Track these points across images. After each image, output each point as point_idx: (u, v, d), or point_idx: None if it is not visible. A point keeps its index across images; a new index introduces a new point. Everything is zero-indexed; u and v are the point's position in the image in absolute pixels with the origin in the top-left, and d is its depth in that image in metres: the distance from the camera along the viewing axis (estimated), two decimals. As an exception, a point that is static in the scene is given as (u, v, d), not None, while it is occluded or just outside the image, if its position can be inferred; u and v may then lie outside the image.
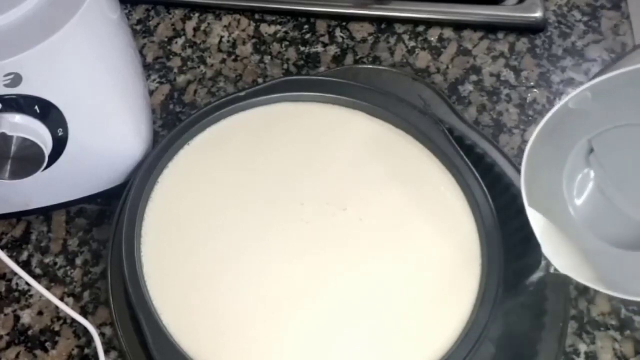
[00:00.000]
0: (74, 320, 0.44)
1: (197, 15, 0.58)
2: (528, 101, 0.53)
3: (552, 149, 0.40)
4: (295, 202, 0.44)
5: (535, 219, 0.39)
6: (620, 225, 0.41)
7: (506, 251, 0.42)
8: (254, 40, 0.57)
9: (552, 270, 0.39)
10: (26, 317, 0.45)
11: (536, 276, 0.40)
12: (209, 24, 0.58)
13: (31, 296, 0.45)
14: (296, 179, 0.45)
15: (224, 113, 0.47)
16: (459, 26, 0.58)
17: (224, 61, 0.56)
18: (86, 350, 0.43)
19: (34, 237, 0.48)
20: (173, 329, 0.39)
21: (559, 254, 0.39)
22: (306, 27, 0.58)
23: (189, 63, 0.56)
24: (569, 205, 0.42)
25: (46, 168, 0.40)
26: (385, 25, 0.58)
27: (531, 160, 0.38)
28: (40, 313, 0.45)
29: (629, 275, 0.39)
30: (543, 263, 0.39)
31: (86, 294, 0.45)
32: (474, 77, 0.55)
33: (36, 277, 0.46)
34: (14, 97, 0.37)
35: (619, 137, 0.39)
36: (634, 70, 0.34)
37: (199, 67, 0.56)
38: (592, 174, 0.42)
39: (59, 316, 0.45)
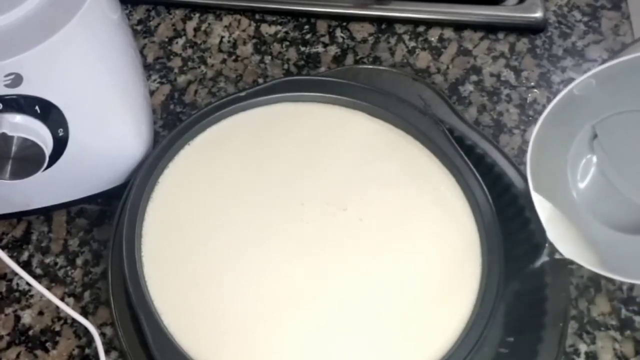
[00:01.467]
0: (74, 320, 0.44)
1: (197, 15, 0.58)
2: (528, 101, 0.53)
3: (557, 135, 0.40)
4: (295, 202, 0.44)
5: (541, 204, 0.39)
6: (622, 208, 0.41)
7: (506, 251, 0.42)
8: (254, 40, 0.57)
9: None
10: (26, 317, 0.45)
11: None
12: (209, 24, 0.58)
13: (31, 296, 0.45)
14: (296, 179, 0.45)
15: (224, 113, 0.47)
16: (459, 26, 0.58)
17: (224, 61, 0.56)
18: (86, 350, 0.43)
19: (34, 237, 0.48)
20: (173, 329, 0.39)
21: (563, 238, 0.40)
22: (306, 27, 0.58)
23: (189, 63, 0.56)
24: (572, 189, 0.42)
25: (46, 168, 0.40)
26: (385, 25, 0.58)
27: (537, 146, 0.39)
28: (41, 313, 0.45)
29: (630, 258, 0.40)
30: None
31: (86, 294, 0.45)
32: (474, 77, 0.55)
33: (36, 277, 0.46)
34: (14, 97, 0.37)
35: (622, 123, 0.40)
36: (636, 57, 0.35)
37: (199, 67, 0.56)
38: (595, 159, 0.42)
39: (59, 316, 0.45)
